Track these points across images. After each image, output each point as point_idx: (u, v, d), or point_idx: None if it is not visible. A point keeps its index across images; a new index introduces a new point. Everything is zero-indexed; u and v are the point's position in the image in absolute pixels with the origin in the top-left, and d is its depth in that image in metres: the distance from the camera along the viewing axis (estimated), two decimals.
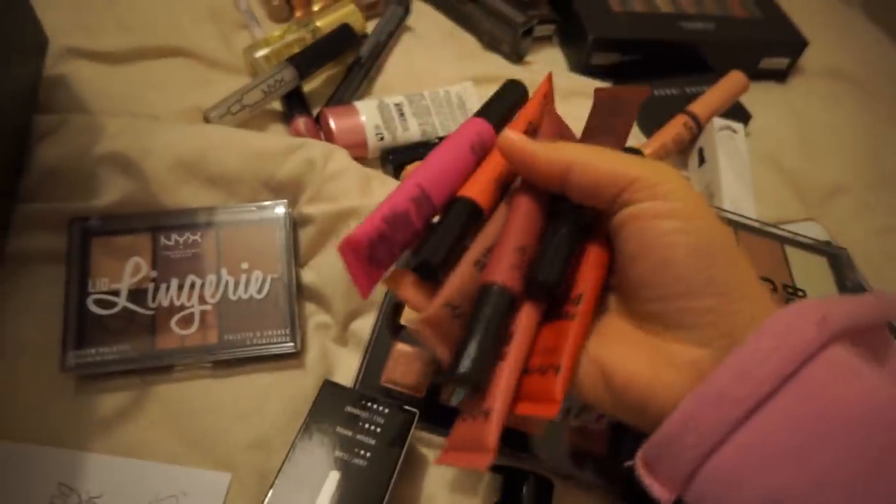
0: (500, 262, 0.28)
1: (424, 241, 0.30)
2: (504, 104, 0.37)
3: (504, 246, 0.28)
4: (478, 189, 0.32)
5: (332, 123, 0.50)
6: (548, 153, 0.27)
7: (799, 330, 0.22)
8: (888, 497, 0.20)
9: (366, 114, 0.51)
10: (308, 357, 0.41)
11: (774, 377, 0.21)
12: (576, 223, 0.29)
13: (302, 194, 0.44)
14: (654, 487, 0.24)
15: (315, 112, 0.54)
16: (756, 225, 0.47)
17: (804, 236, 0.47)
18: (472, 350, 0.26)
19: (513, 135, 0.29)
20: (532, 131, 0.35)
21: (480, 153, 0.34)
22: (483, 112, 0.36)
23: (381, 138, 0.50)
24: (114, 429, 0.38)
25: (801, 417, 0.21)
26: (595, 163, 0.26)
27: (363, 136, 0.50)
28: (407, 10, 0.63)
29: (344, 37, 0.55)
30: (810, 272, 0.45)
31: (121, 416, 0.38)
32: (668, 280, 0.25)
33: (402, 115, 0.51)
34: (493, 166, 0.33)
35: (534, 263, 0.28)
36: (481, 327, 0.27)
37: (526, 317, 0.28)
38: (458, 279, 0.29)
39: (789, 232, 0.47)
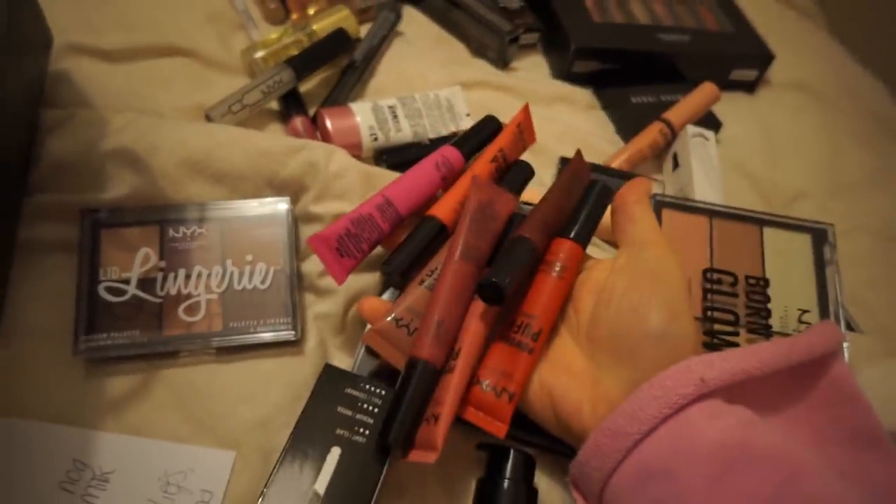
0: (424, 338, 0.35)
1: (394, 253, 0.39)
2: (478, 137, 0.46)
3: (427, 320, 0.35)
4: (444, 209, 0.41)
5: (328, 124, 0.52)
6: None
7: (680, 385, 0.29)
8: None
9: (361, 115, 0.53)
10: (307, 344, 0.44)
11: (655, 419, 0.29)
12: (526, 246, 0.36)
13: (305, 193, 0.47)
14: (579, 500, 0.32)
15: (311, 112, 0.56)
16: (734, 211, 0.49)
17: (787, 217, 0.49)
18: (398, 422, 0.33)
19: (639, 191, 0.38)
20: (502, 157, 0.43)
21: (447, 175, 0.43)
22: (457, 142, 0.45)
23: (375, 139, 0.53)
24: (123, 410, 0.40)
25: (672, 448, 0.29)
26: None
27: (358, 137, 0.52)
28: (398, 16, 0.65)
29: (339, 41, 0.58)
30: (787, 254, 0.47)
31: (130, 398, 0.40)
32: (635, 326, 0.32)
33: (395, 116, 0.54)
34: (461, 190, 0.42)
35: (488, 271, 0.35)
36: (408, 400, 0.34)
37: (472, 335, 0.35)
38: (407, 299, 0.38)
39: (776, 216, 0.49)
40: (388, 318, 0.37)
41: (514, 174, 0.44)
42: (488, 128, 0.47)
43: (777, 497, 0.26)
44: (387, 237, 0.41)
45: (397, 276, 0.39)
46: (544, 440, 0.41)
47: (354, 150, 0.53)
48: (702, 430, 0.28)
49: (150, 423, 0.40)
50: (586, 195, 0.40)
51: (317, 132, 0.54)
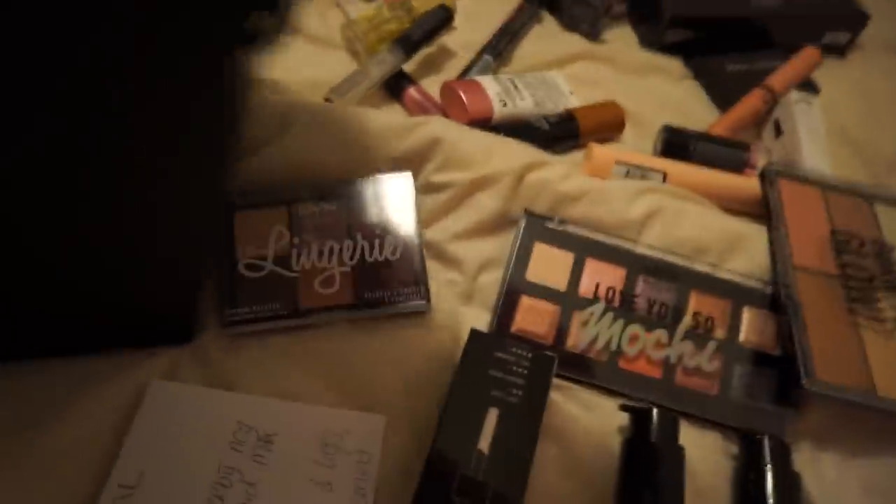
0: None
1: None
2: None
3: None
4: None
5: (462, 94, 0.53)
6: None
7: None
8: None
9: (487, 85, 0.54)
10: (438, 311, 0.45)
11: None
12: None
13: (426, 164, 0.48)
14: None
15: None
16: (843, 185, 0.50)
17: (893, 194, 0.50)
18: None
19: None
20: None
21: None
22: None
23: (504, 104, 0.53)
24: (272, 377, 0.42)
25: None
26: None
27: (490, 104, 0.53)
28: None
29: (442, 17, 0.59)
30: None
31: (277, 367, 0.42)
32: None
33: (515, 87, 0.55)
34: None
35: None
36: None
37: None
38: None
39: (884, 192, 0.50)
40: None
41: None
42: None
43: None
44: None
45: None
46: (679, 404, 0.42)
47: (485, 117, 0.53)
48: None
49: (299, 390, 0.41)
50: None
51: (431, 102, 0.55)
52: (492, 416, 0.36)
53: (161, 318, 0.40)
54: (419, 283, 0.45)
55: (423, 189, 0.48)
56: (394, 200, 0.47)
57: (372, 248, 0.46)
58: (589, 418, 0.42)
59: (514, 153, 0.48)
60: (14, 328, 0.36)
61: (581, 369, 0.43)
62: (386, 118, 0.48)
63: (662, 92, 0.64)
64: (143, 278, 0.35)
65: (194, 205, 0.31)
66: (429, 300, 0.44)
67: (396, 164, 0.48)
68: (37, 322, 0.36)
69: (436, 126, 0.48)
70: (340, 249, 0.45)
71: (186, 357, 0.42)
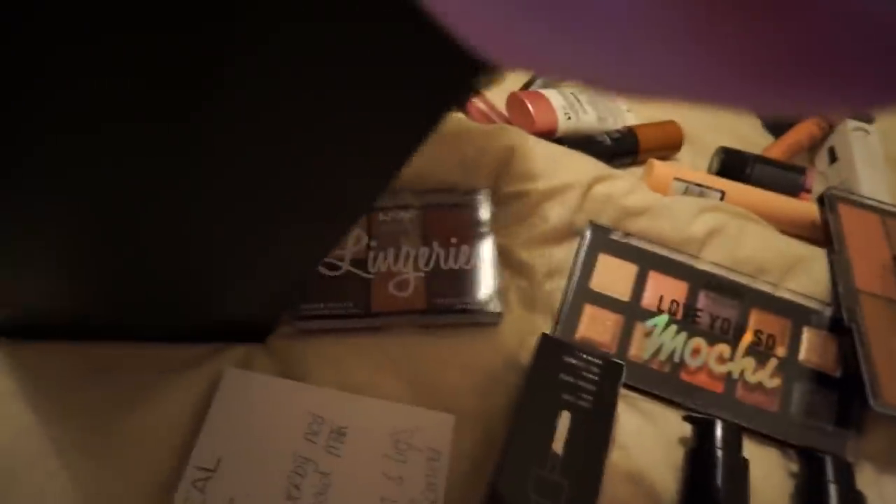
0: None
1: None
2: None
3: None
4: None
5: (529, 106, 0.55)
6: None
7: None
8: None
9: (552, 97, 0.56)
10: (508, 317, 0.46)
11: None
12: None
13: (500, 174, 0.49)
14: None
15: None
16: None
17: None
18: None
19: None
20: None
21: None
22: None
23: (569, 118, 0.55)
24: (342, 372, 0.43)
25: None
26: None
27: (555, 117, 0.55)
28: None
29: None
30: None
31: (348, 363, 0.44)
32: None
33: (578, 101, 0.56)
34: None
35: None
36: None
37: None
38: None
39: None
40: None
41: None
42: None
43: None
44: None
45: None
46: (740, 419, 0.43)
47: (551, 129, 0.55)
48: None
49: (370, 386, 0.43)
50: None
51: (494, 111, 0.57)
52: (564, 418, 0.37)
53: (250, 324, 0.42)
54: (490, 290, 0.46)
55: (495, 197, 0.50)
56: (469, 210, 0.48)
57: (447, 256, 0.47)
58: (651, 428, 0.43)
59: (581, 166, 0.50)
60: (121, 313, 0.38)
61: (643, 379, 0.44)
62: (461, 126, 0.50)
63: (717, 114, 0.65)
64: (257, 292, 0.37)
65: (339, 224, 0.32)
66: (499, 308, 0.45)
67: (472, 171, 0.50)
68: (141, 311, 0.38)
69: (509, 135, 0.49)
70: (416, 255, 0.47)
71: (260, 348, 0.43)
